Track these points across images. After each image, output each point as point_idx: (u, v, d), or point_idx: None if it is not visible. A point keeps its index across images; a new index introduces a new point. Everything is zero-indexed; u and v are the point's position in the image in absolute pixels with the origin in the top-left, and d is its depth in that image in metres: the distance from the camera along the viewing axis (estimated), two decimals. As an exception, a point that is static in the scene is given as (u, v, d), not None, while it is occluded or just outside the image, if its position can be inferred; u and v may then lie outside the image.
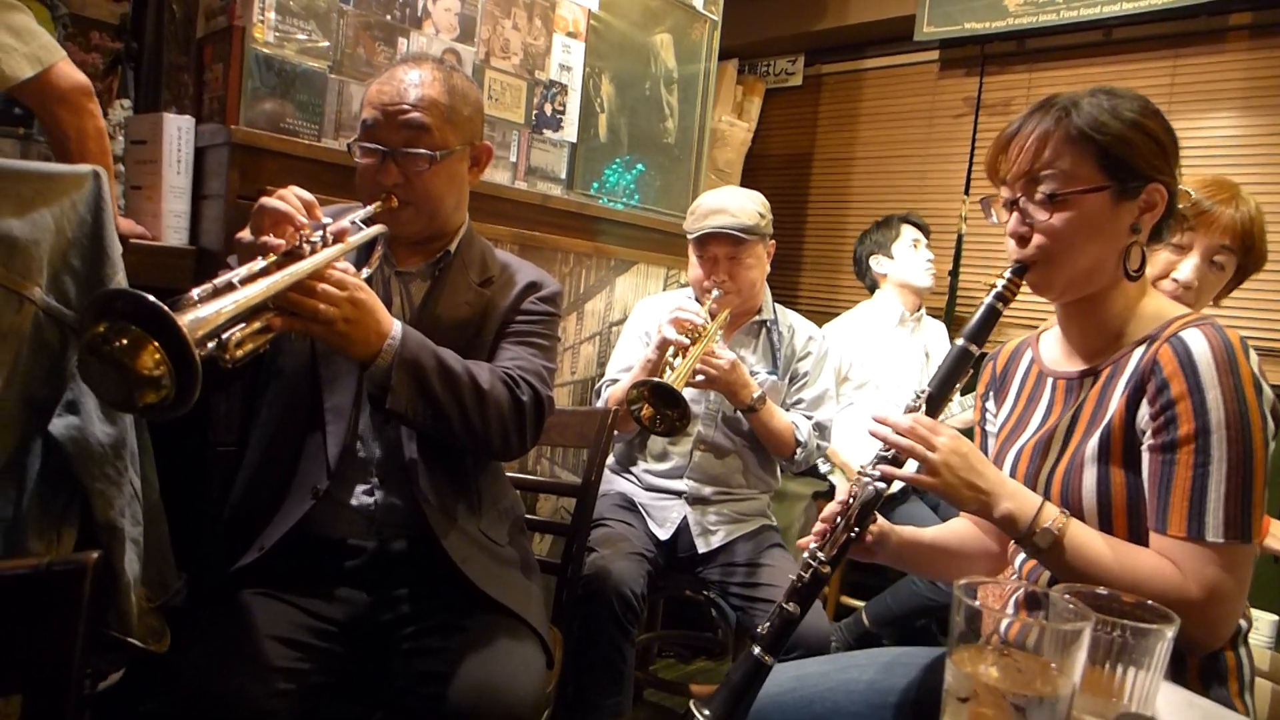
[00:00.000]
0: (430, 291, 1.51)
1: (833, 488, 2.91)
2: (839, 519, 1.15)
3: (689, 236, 2.20)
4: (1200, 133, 2.81)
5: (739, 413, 2.16)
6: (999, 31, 3.14)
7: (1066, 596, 0.77)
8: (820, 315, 2.99)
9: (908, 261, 2.94)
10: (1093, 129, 1.09)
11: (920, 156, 3.48)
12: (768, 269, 2.24)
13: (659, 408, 1.90)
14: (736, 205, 2.13)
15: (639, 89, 2.64)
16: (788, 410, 2.22)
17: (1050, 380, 1.24)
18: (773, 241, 2.23)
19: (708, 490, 2.19)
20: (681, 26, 2.73)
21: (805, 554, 1.14)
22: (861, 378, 2.89)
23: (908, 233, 2.96)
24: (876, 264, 3.00)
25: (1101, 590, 0.83)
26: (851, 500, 1.14)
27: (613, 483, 2.28)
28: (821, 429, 2.22)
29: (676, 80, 2.74)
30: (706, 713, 1.08)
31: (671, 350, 1.99)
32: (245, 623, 1.27)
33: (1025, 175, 1.14)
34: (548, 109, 2.35)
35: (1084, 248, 1.12)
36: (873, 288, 3.07)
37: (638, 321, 2.34)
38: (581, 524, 1.82)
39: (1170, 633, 0.76)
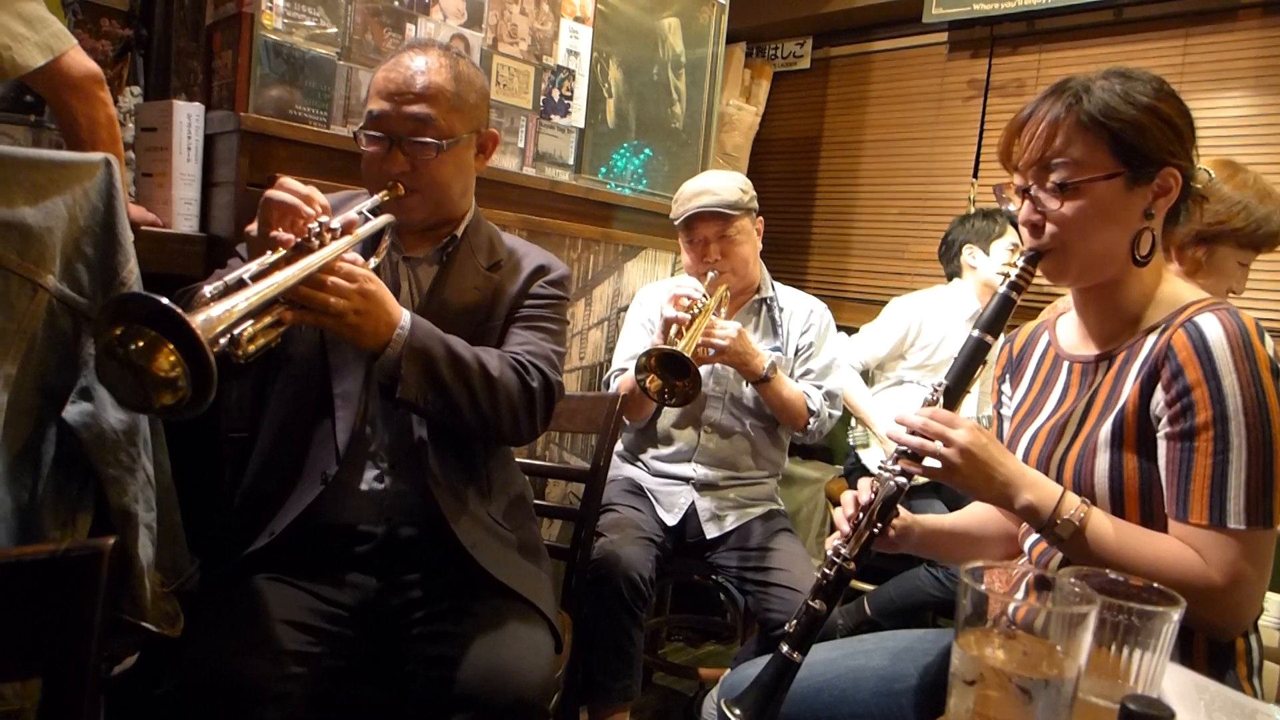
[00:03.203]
0: (438, 277, 1.51)
1: (854, 465, 2.88)
2: (862, 515, 1.14)
3: (676, 223, 2.20)
4: (1212, 112, 2.78)
5: (747, 389, 2.16)
6: (1008, 12, 3.11)
7: (1072, 580, 0.77)
8: (828, 299, 2.97)
9: (1001, 265, 2.73)
10: (1105, 115, 1.07)
11: (929, 139, 3.46)
12: (759, 245, 2.24)
13: (666, 378, 1.88)
14: (717, 185, 2.16)
15: (647, 73, 2.63)
16: (797, 383, 2.22)
17: (1066, 364, 1.24)
18: (760, 218, 2.24)
19: (715, 475, 2.20)
20: (689, 10, 2.72)
21: (829, 552, 1.13)
22: (920, 360, 2.79)
23: (1011, 235, 2.78)
24: (969, 254, 2.81)
25: (1108, 573, 0.83)
26: (874, 497, 1.13)
27: (621, 469, 2.29)
28: (832, 397, 2.21)
29: (684, 64, 2.73)
30: (738, 712, 1.07)
31: (675, 330, 2.00)
32: (257, 607, 1.29)
33: (1037, 163, 1.12)
34: (555, 94, 2.35)
35: (1097, 235, 1.10)
36: (952, 276, 2.91)
37: (640, 309, 2.34)
38: (590, 509, 1.83)
39: (1176, 615, 0.76)
